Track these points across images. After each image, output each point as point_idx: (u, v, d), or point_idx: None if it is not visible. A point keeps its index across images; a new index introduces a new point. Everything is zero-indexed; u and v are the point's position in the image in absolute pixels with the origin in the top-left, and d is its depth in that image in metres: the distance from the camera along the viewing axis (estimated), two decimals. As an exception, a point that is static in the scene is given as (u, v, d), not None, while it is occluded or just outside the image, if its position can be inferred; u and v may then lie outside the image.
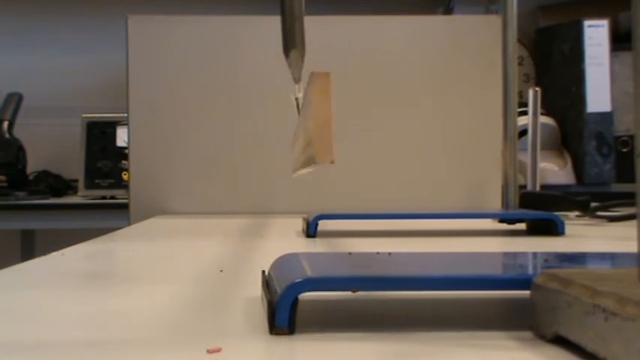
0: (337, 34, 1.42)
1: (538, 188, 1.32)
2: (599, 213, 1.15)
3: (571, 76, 1.94)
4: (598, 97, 1.89)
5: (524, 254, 0.60)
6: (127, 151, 1.50)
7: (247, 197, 1.41)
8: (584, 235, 0.96)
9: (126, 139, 1.61)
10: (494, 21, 1.35)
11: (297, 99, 0.62)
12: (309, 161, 0.36)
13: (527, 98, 1.33)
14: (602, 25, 1.89)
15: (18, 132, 2.14)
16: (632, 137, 1.92)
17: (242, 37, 1.42)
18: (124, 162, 2.01)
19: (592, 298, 0.31)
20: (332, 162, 0.33)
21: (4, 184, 2.10)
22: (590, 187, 1.85)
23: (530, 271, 0.47)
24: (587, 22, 1.90)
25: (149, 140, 1.41)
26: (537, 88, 1.33)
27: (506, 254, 0.64)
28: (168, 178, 1.41)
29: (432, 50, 1.44)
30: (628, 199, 1.23)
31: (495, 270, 0.49)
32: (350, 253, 0.51)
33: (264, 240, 0.92)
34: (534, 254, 0.55)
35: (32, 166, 2.21)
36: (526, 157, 1.32)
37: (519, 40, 1.60)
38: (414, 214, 1.11)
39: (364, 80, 1.42)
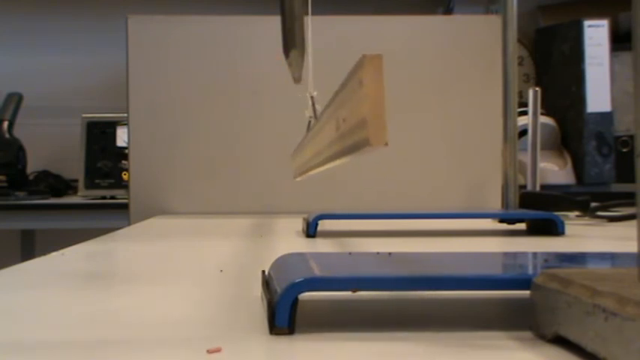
0: (337, 34, 1.42)
1: (538, 188, 1.32)
2: (599, 213, 1.15)
3: (571, 76, 1.94)
4: (598, 97, 1.89)
5: (524, 254, 0.60)
6: (127, 151, 1.50)
7: (247, 197, 1.41)
8: (584, 235, 0.96)
9: (126, 139, 1.61)
10: (494, 21, 1.35)
11: (312, 97, 0.61)
12: (357, 146, 0.35)
13: (527, 98, 1.33)
14: (602, 25, 1.89)
15: (18, 132, 2.14)
16: (632, 137, 1.92)
17: (242, 37, 1.42)
18: (124, 162, 2.01)
19: (592, 298, 0.31)
20: (386, 144, 0.33)
21: (4, 184, 2.10)
22: (590, 187, 1.85)
23: (530, 271, 0.47)
24: (587, 22, 1.90)
25: (149, 140, 1.41)
26: (537, 88, 1.33)
27: (506, 254, 0.64)
28: (168, 178, 1.41)
29: (432, 50, 1.44)
30: (628, 199, 1.23)
31: (495, 270, 0.49)
32: (350, 253, 0.51)
33: (264, 240, 0.92)
34: (534, 254, 0.55)
35: (32, 166, 2.21)
36: (526, 157, 1.32)
37: (519, 40, 1.60)
38: (414, 214, 1.11)
39: (364, 80, 1.41)
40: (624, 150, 1.96)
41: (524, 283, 0.38)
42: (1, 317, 0.45)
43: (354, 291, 0.43)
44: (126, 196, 1.45)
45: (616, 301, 0.30)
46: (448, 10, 2.16)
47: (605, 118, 1.90)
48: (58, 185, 2.21)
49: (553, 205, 1.09)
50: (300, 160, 0.71)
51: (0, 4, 2.35)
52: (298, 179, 0.75)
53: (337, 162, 0.45)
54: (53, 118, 2.34)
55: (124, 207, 1.43)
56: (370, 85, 0.33)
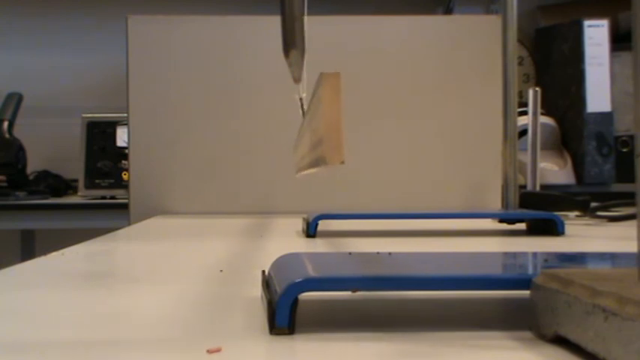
0: (337, 34, 1.42)
1: (538, 188, 1.32)
2: (599, 213, 1.15)
3: (571, 76, 1.94)
4: (598, 97, 1.89)
5: (524, 254, 0.60)
6: (127, 151, 1.50)
7: (247, 197, 1.41)
8: (584, 235, 0.96)
9: (126, 139, 1.61)
10: (494, 21, 1.35)
11: (301, 99, 0.61)
12: (318, 162, 0.36)
13: (527, 98, 1.33)
14: (602, 25, 1.89)
15: (18, 132, 2.13)
16: (632, 137, 1.92)
17: (242, 37, 1.42)
18: (124, 162, 2.00)
19: (592, 298, 0.31)
20: (342, 162, 0.33)
21: (4, 184, 2.10)
22: (590, 187, 1.85)
23: (530, 271, 0.47)
24: (587, 22, 1.90)
25: (149, 140, 1.41)
26: (537, 88, 1.33)
27: (506, 254, 0.64)
28: (168, 178, 1.41)
29: (432, 50, 1.44)
30: (628, 199, 1.23)
31: (495, 270, 0.49)
32: (350, 253, 0.51)
33: (264, 240, 0.92)
34: (534, 254, 0.55)
35: (32, 166, 2.21)
36: (526, 157, 1.32)
37: (519, 40, 1.60)
38: (414, 214, 1.11)
39: (364, 80, 1.42)
40: (624, 150, 1.96)
41: (524, 283, 0.38)
42: (1, 317, 0.45)
43: (354, 291, 0.43)
44: (126, 196, 1.45)
45: (616, 301, 0.30)
46: (448, 10, 2.16)
47: (605, 118, 1.90)
48: (58, 185, 2.21)
49: (553, 205, 1.09)
50: (295, 157, 0.72)
51: (0, 4, 2.35)
52: (297, 176, 0.75)
53: (312, 171, 0.45)
54: (53, 118, 2.33)
55: (124, 207, 1.43)
56: (327, 104, 0.33)
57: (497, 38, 1.15)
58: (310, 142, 0.42)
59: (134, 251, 0.85)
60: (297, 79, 0.60)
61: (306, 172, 0.52)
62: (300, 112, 0.62)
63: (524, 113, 1.34)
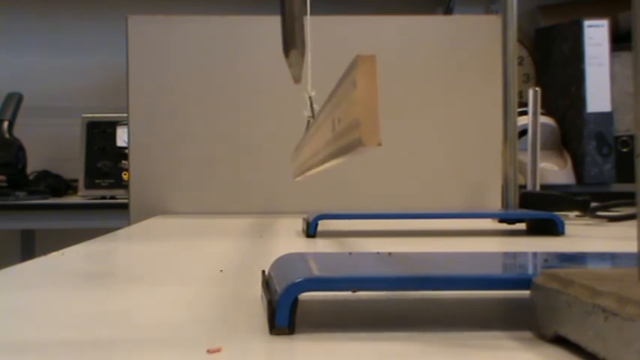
0: (337, 34, 1.42)
1: (538, 188, 1.32)
2: (599, 213, 1.15)
3: (571, 76, 1.94)
4: (598, 97, 1.89)
5: (524, 254, 0.60)
6: (127, 151, 1.50)
7: (247, 197, 1.41)
8: (584, 235, 0.96)
9: (126, 139, 1.61)
10: (494, 21, 1.35)
11: (310, 97, 0.61)
12: (349, 147, 0.35)
13: (527, 98, 1.33)
14: (602, 25, 1.89)
15: (18, 132, 2.13)
16: (632, 137, 1.92)
17: (242, 37, 1.42)
18: (124, 162, 2.00)
19: (592, 298, 0.31)
20: (379, 144, 0.33)
21: (4, 184, 2.10)
22: (590, 187, 1.85)
23: (530, 271, 0.47)
24: (587, 22, 1.90)
25: (149, 140, 1.41)
26: (537, 88, 1.33)
27: (506, 254, 0.64)
28: (168, 178, 1.41)
29: (432, 50, 1.44)
30: (628, 199, 1.23)
31: (495, 270, 0.49)
32: (350, 253, 0.51)
33: (264, 240, 0.92)
34: (534, 254, 0.55)
35: (32, 166, 2.21)
36: (526, 157, 1.32)
37: (519, 40, 1.60)
38: (414, 214, 1.11)
39: (364, 80, 1.41)
40: (624, 150, 1.96)
41: (524, 283, 0.38)
42: (1, 317, 0.45)
43: (354, 291, 0.43)
44: (126, 196, 1.45)
45: (616, 301, 0.30)
46: (448, 10, 2.16)
47: (605, 118, 1.90)
48: (58, 185, 2.21)
49: (553, 205, 1.09)
50: (298, 160, 0.72)
51: (0, 4, 2.35)
52: (297, 179, 0.75)
53: (333, 162, 0.45)
54: (53, 118, 2.33)
55: (124, 207, 1.43)
56: (363, 86, 0.33)
57: (497, 38, 1.15)
58: (332, 133, 0.41)
59: (134, 251, 0.85)
60: (297, 80, 0.60)
61: (321, 167, 0.51)
62: (309, 110, 0.61)
63: (524, 113, 1.34)
